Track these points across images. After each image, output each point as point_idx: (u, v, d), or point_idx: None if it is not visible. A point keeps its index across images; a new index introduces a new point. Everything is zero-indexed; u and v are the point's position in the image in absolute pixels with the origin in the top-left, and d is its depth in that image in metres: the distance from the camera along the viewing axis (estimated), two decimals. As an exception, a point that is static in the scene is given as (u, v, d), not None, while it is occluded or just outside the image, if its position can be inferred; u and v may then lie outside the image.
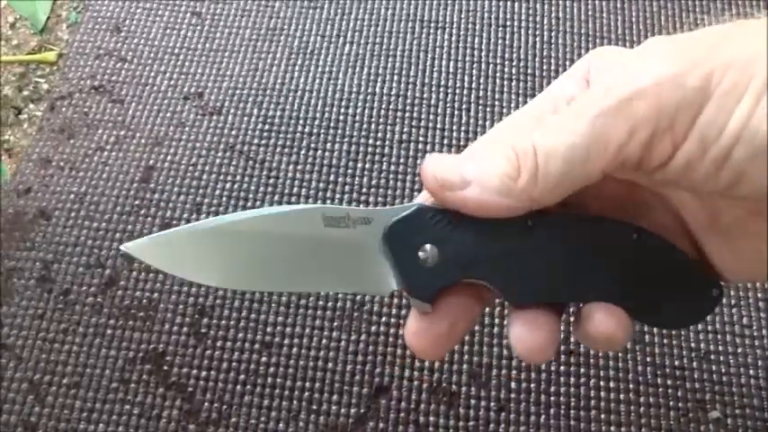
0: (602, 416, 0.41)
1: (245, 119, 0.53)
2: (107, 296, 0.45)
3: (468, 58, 0.55)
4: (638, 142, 0.19)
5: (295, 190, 0.50)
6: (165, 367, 0.43)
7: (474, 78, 0.54)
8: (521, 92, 0.54)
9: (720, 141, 0.18)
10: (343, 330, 0.44)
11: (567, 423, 0.41)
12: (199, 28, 0.57)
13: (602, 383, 0.42)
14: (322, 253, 0.23)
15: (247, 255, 0.23)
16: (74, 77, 0.55)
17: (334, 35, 0.56)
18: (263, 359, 0.43)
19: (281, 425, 0.42)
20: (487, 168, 0.21)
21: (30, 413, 0.42)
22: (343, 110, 0.53)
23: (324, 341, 0.44)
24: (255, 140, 0.52)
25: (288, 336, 0.44)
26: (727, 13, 0.56)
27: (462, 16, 0.57)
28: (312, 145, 0.51)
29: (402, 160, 0.51)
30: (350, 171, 0.50)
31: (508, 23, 0.57)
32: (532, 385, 0.42)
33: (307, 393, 0.42)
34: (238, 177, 0.50)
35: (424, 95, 0.54)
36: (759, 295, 0.45)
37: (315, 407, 0.42)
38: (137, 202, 0.49)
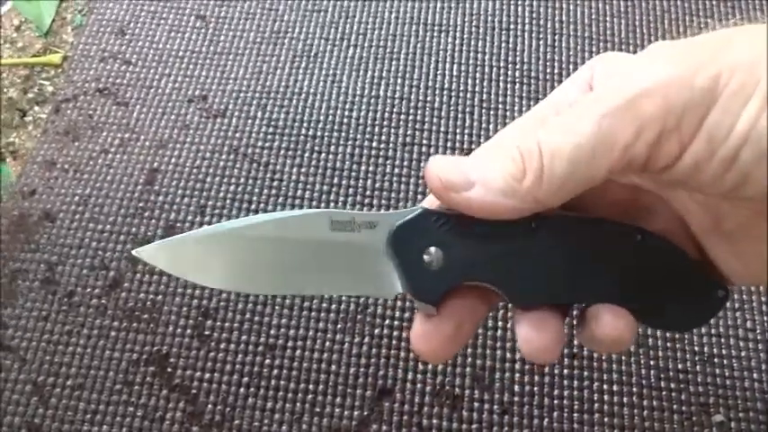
0: (606, 419, 0.41)
1: (249, 121, 0.53)
2: (111, 298, 0.46)
3: (471, 62, 0.55)
4: (644, 142, 0.19)
5: (299, 193, 0.50)
6: (169, 369, 0.43)
7: (478, 81, 0.54)
8: (524, 95, 0.54)
9: (728, 142, 0.18)
10: (346, 333, 0.44)
11: (570, 426, 0.41)
12: (203, 31, 0.57)
13: (605, 387, 0.42)
14: (328, 256, 0.23)
15: (255, 259, 0.23)
16: (78, 80, 0.55)
17: (338, 38, 0.57)
18: (267, 361, 0.43)
19: (284, 427, 0.42)
20: (492, 169, 0.20)
21: (33, 415, 0.42)
22: (346, 113, 0.53)
23: (327, 344, 0.44)
24: (259, 143, 0.52)
25: (291, 338, 0.44)
26: (731, 17, 0.56)
27: (466, 19, 0.57)
28: (316, 148, 0.51)
29: (406, 163, 0.51)
30: (353, 174, 0.50)
31: (512, 27, 0.57)
32: (536, 388, 0.42)
33: (310, 396, 0.42)
34: (242, 180, 0.50)
35: (428, 98, 0.54)
36: (763, 299, 0.45)
37: (318, 409, 0.42)
38: (141, 205, 0.49)
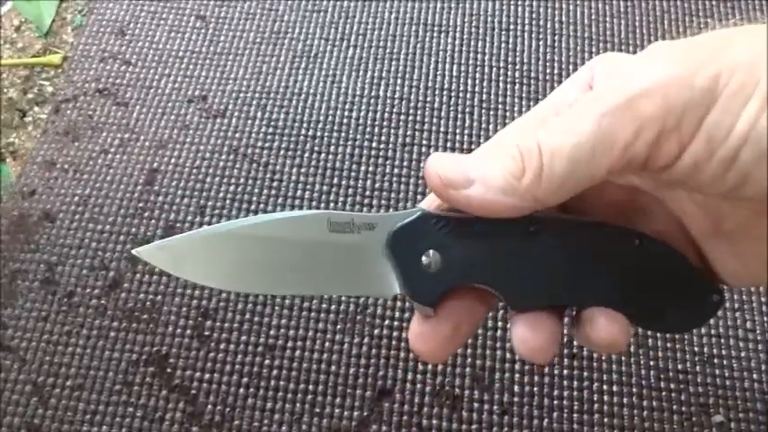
0: (606, 419, 0.41)
1: (249, 122, 0.53)
2: (111, 298, 0.46)
3: (471, 62, 0.55)
4: (644, 142, 0.19)
5: (299, 193, 0.50)
6: (169, 370, 0.43)
7: (477, 82, 0.54)
8: (524, 95, 0.54)
9: (728, 142, 0.18)
10: (346, 333, 0.44)
11: (570, 427, 0.41)
12: (203, 31, 0.57)
13: (605, 387, 0.42)
14: (327, 257, 0.23)
15: (254, 259, 0.23)
16: (78, 80, 0.55)
17: (338, 38, 0.57)
18: (267, 362, 0.43)
19: (283, 428, 0.42)
20: (491, 167, 0.20)
21: (33, 415, 0.42)
22: (346, 113, 0.53)
23: (327, 344, 0.44)
24: (259, 143, 0.52)
25: (291, 339, 0.44)
26: (731, 17, 0.56)
27: (466, 20, 0.57)
28: (316, 148, 0.51)
29: (405, 163, 0.51)
30: (353, 174, 0.50)
31: (511, 27, 0.57)
32: (536, 389, 0.42)
33: (310, 396, 0.42)
34: (242, 180, 0.50)
35: (428, 99, 0.54)
36: (763, 299, 0.45)
37: (318, 410, 0.42)
38: (141, 205, 0.49)
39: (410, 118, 0.53)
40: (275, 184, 0.50)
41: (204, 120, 0.53)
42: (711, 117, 0.18)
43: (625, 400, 0.42)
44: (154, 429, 0.41)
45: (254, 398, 0.42)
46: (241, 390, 0.43)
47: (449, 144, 0.52)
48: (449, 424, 0.41)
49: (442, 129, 0.52)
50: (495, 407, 0.42)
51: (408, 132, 0.52)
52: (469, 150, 0.51)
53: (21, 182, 0.50)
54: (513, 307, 0.23)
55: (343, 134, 0.52)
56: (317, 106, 0.53)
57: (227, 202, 0.49)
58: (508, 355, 0.43)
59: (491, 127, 0.52)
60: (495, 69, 0.55)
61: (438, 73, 0.55)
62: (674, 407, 0.42)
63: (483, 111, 0.53)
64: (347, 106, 0.53)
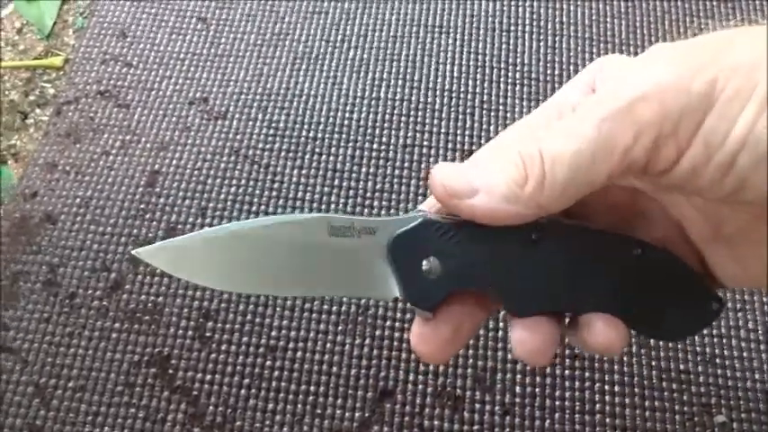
0: (608, 420, 0.41)
1: (250, 123, 0.53)
2: (112, 300, 0.46)
3: (472, 63, 0.55)
4: (642, 147, 0.19)
5: (299, 194, 0.50)
6: (171, 371, 0.43)
7: (478, 83, 0.54)
8: (525, 96, 0.54)
9: (725, 148, 0.18)
10: (347, 334, 0.44)
11: (572, 427, 0.41)
12: (204, 33, 0.57)
13: (607, 387, 0.42)
14: (327, 260, 0.23)
15: (254, 261, 0.23)
16: (80, 82, 0.55)
17: (339, 40, 0.57)
18: (268, 363, 0.43)
19: (285, 429, 0.42)
20: (495, 175, 0.21)
21: (35, 416, 0.42)
22: (347, 114, 0.53)
23: (328, 345, 0.44)
24: (260, 145, 0.52)
25: (292, 340, 0.44)
26: (732, 18, 0.56)
27: (467, 21, 0.57)
28: (317, 149, 0.52)
29: (406, 165, 0.51)
30: (354, 175, 0.50)
31: (512, 28, 0.57)
32: (537, 389, 0.42)
33: (311, 397, 0.42)
34: (243, 182, 0.50)
35: (429, 100, 0.54)
36: (765, 299, 0.45)
37: (319, 411, 0.42)
38: (142, 207, 0.49)
39: (411, 119, 0.53)
40: (276, 185, 0.50)
41: (205, 121, 0.53)
42: (708, 122, 0.18)
43: (627, 400, 0.42)
44: (155, 430, 0.41)
45: (255, 399, 0.42)
46: (242, 391, 0.43)
47: (450, 145, 0.52)
48: (450, 425, 0.41)
49: (443, 130, 0.52)
50: (496, 407, 0.42)
51: (409, 134, 0.52)
52: (471, 152, 0.51)
53: (22, 184, 0.50)
54: (512, 313, 0.23)
55: (344, 136, 0.52)
56: (318, 108, 0.53)
57: (229, 203, 0.49)
58: (509, 356, 0.43)
59: (492, 128, 0.52)
60: (495, 70, 0.55)
61: (439, 74, 0.55)
62: (677, 407, 0.42)
63: (484, 112, 0.53)
64: (348, 108, 0.53)
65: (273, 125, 0.53)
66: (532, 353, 0.22)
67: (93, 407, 0.42)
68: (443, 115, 0.53)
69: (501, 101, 0.54)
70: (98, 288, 0.46)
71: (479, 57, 0.56)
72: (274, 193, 0.50)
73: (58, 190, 0.50)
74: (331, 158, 0.51)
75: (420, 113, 0.53)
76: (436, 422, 0.42)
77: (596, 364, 0.43)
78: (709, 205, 0.22)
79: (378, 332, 0.44)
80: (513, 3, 0.58)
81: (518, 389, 0.42)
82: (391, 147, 0.52)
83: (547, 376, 0.43)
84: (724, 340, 0.44)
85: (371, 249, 0.23)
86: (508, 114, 0.53)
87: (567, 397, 0.42)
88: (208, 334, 0.44)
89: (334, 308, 0.45)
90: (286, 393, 0.43)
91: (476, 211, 0.21)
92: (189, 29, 0.57)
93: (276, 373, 0.43)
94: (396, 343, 0.44)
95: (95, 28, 0.58)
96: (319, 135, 0.52)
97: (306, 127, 0.53)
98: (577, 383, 0.42)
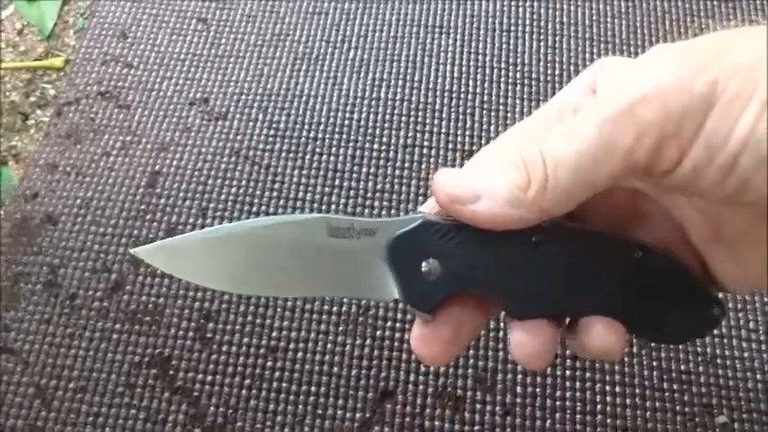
0: (608, 420, 0.41)
1: (251, 124, 0.53)
2: (113, 301, 0.46)
3: (472, 63, 0.55)
4: (645, 148, 0.19)
5: (300, 195, 0.50)
6: (171, 372, 0.43)
7: (478, 83, 0.54)
8: (525, 96, 0.54)
9: (727, 149, 0.18)
10: (348, 335, 0.44)
11: (572, 428, 0.41)
12: (204, 34, 0.57)
13: (607, 388, 0.42)
14: (326, 261, 0.23)
15: (253, 260, 0.23)
16: (80, 83, 0.55)
17: (339, 40, 0.57)
18: (269, 364, 0.43)
19: (286, 429, 0.42)
20: (497, 180, 0.21)
21: (36, 417, 0.42)
22: (348, 115, 0.53)
23: (329, 346, 0.44)
24: (261, 145, 0.52)
25: (293, 340, 0.44)
26: (732, 18, 0.56)
27: (467, 21, 0.57)
28: (317, 150, 0.52)
29: (407, 165, 0.51)
30: (355, 176, 0.50)
31: (512, 28, 0.57)
32: (538, 390, 0.42)
33: (312, 398, 0.42)
34: (244, 182, 0.50)
35: (429, 100, 0.54)
36: (766, 299, 0.45)
37: (320, 411, 0.42)
38: (143, 207, 0.49)
39: (411, 119, 0.53)
40: (277, 186, 0.50)
41: (206, 122, 0.53)
42: (710, 123, 0.18)
43: (628, 400, 0.42)
44: (156, 431, 0.41)
45: (256, 399, 0.42)
46: (243, 391, 0.43)
47: (450, 145, 0.52)
48: (451, 425, 0.41)
49: (443, 130, 0.52)
50: (497, 408, 0.42)
51: (410, 134, 0.52)
52: (471, 152, 0.51)
53: (23, 185, 0.50)
54: (512, 315, 0.23)
55: (344, 136, 0.52)
56: (319, 108, 0.53)
57: (229, 204, 0.49)
58: (510, 357, 0.43)
59: (492, 128, 0.52)
60: (496, 71, 0.55)
61: (439, 74, 0.55)
62: (677, 407, 0.42)
63: (484, 112, 0.53)
64: (348, 108, 0.53)
65: (274, 126, 0.53)
66: (532, 356, 0.22)
67: (93, 408, 0.42)
68: (444, 115, 0.53)
69: (501, 101, 0.54)
70: (99, 289, 0.46)
71: (480, 57, 0.56)
72: (275, 194, 0.50)
73: (58, 191, 0.50)
74: (331, 159, 0.51)
75: (420, 114, 0.53)
76: (437, 423, 0.42)
77: (597, 365, 0.43)
78: (711, 207, 0.22)
79: (378, 333, 0.44)
80: (513, 3, 0.58)
81: (519, 389, 0.42)
82: (392, 147, 0.52)
83: (547, 377, 0.43)
84: (725, 340, 0.44)
85: (371, 250, 0.23)
86: (508, 114, 0.53)
87: (568, 397, 0.42)
88: (208, 335, 0.44)
89: (335, 308, 0.45)
90: (287, 394, 0.43)
91: (478, 217, 0.21)
92: (189, 30, 0.58)
93: (277, 373, 0.43)
94: (396, 343, 0.44)
95: (96, 29, 0.58)
96: (320, 135, 0.52)
97: (306, 127, 0.53)
98: (578, 384, 0.42)
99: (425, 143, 0.52)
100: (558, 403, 0.42)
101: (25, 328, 0.45)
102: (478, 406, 0.42)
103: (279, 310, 0.45)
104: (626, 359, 0.43)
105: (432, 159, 0.51)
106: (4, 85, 0.57)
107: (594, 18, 0.57)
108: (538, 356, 0.22)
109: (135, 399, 0.42)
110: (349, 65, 0.55)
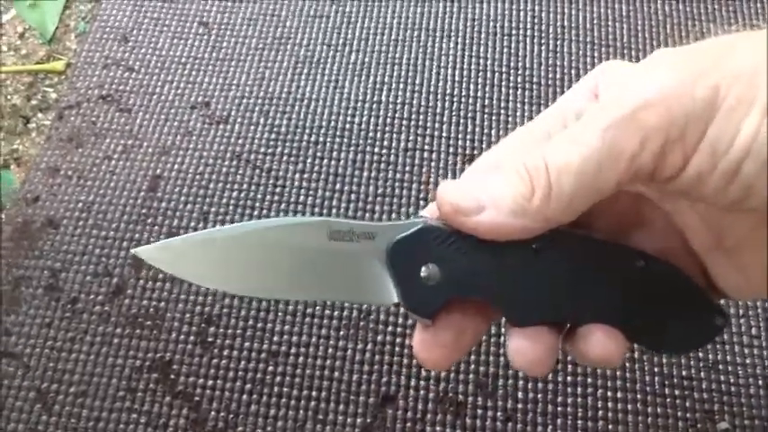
0: (610, 426, 0.41)
1: (252, 128, 0.53)
2: (114, 305, 0.46)
3: (473, 67, 0.55)
4: (650, 152, 0.19)
5: (301, 199, 0.50)
6: (172, 376, 0.43)
7: (480, 87, 0.54)
8: (526, 100, 0.54)
9: (730, 155, 0.18)
10: (349, 339, 0.44)
11: (574, 433, 0.41)
12: (206, 37, 0.57)
13: (609, 394, 0.42)
14: (326, 265, 0.23)
15: (252, 262, 0.23)
16: (82, 87, 0.55)
17: (340, 44, 0.57)
18: (270, 368, 0.43)
19: (287, 434, 0.42)
20: (501, 190, 0.20)
21: (37, 422, 0.42)
22: (349, 118, 0.53)
23: (330, 350, 0.44)
24: (262, 149, 0.52)
25: (294, 345, 0.44)
26: (733, 22, 0.56)
27: (468, 25, 0.57)
28: (318, 154, 0.52)
29: (408, 169, 0.51)
30: (356, 180, 0.50)
31: (514, 32, 0.57)
32: (539, 395, 0.42)
33: (313, 403, 0.42)
34: (245, 186, 0.50)
35: (430, 104, 0.54)
36: (767, 306, 0.45)
37: (321, 416, 0.42)
38: (144, 211, 0.49)
39: (412, 123, 0.53)
40: (278, 189, 0.50)
41: (207, 126, 0.53)
42: (712, 129, 0.18)
43: (629, 406, 0.42)
44: (157, 436, 0.41)
45: (257, 404, 0.42)
46: (244, 396, 0.43)
47: (451, 149, 0.52)
48: (452, 431, 0.41)
49: (444, 134, 0.52)
50: (498, 413, 0.42)
51: (411, 137, 0.52)
52: (472, 156, 0.51)
53: (24, 188, 0.50)
54: (513, 322, 0.23)
55: (345, 139, 0.52)
56: (320, 112, 0.53)
57: (230, 207, 0.49)
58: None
59: (493, 132, 0.52)
60: (497, 74, 0.55)
61: (440, 78, 0.55)
62: (679, 413, 0.42)
63: (485, 116, 0.53)
64: (350, 112, 0.53)
65: (275, 129, 0.53)
66: (533, 363, 0.22)
67: (94, 412, 0.42)
68: (445, 119, 0.53)
69: (502, 105, 0.54)
70: (100, 293, 0.46)
71: (481, 60, 0.56)
72: (276, 198, 0.50)
73: (59, 194, 0.50)
74: (333, 162, 0.51)
75: (421, 117, 0.53)
76: (438, 428, 0.42)
77: (598, 371, 0.43)
78: (712, 213, 0.22)
79: (380, 338, 0.44)
80: (514, 6, 0.58)
81: (520, 395, 0.42)
82: (393, 150, 0.52)
83: (549, 382, 0.43)
84: (727, 347, 0.44)
85: (371, 254, 0.23)
86: (509, 118, 0.53)
87: (570, 403, 0.42)
88: (210, 339, 0.44)
89: (336, 313, 0.45)
90: (288, 399, 0.43)
91: (482, 227, 0.21)
92: (190, 33, 0.58)
93: (278, 378, 0.43)
94: (398, 348, 0.44)
95: (97, 32, 0.58)
96: (321, 139, 0.52)
97: (307, 131, 0.53)
98: (580, 389, 0.42)
99: (426, 147, 0.52)
100: (559, 409, 0.42)
101: (26, 332, 0.45)
102: (480, 411, 0.42)
103: (280, 314, 0.45)
104: (627, 365, 0.43)
105: (432, 163, 0.51)
106: (5, 88, 0.57)
107: (596, 22, 0.57)
108: (538, 363, 0.22)
109: (136, 403, 0.42)
110: (350, 68, 0.55)
